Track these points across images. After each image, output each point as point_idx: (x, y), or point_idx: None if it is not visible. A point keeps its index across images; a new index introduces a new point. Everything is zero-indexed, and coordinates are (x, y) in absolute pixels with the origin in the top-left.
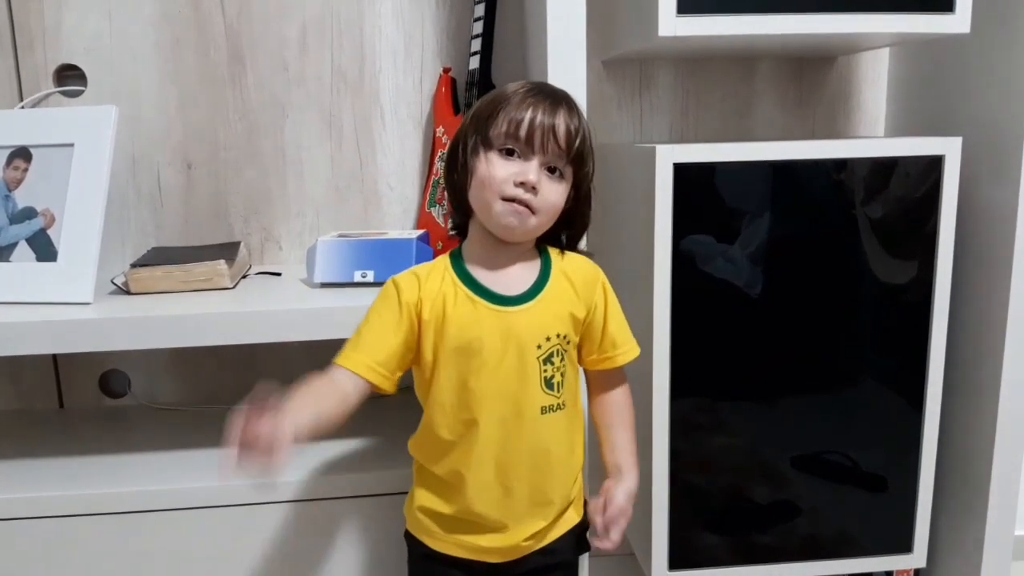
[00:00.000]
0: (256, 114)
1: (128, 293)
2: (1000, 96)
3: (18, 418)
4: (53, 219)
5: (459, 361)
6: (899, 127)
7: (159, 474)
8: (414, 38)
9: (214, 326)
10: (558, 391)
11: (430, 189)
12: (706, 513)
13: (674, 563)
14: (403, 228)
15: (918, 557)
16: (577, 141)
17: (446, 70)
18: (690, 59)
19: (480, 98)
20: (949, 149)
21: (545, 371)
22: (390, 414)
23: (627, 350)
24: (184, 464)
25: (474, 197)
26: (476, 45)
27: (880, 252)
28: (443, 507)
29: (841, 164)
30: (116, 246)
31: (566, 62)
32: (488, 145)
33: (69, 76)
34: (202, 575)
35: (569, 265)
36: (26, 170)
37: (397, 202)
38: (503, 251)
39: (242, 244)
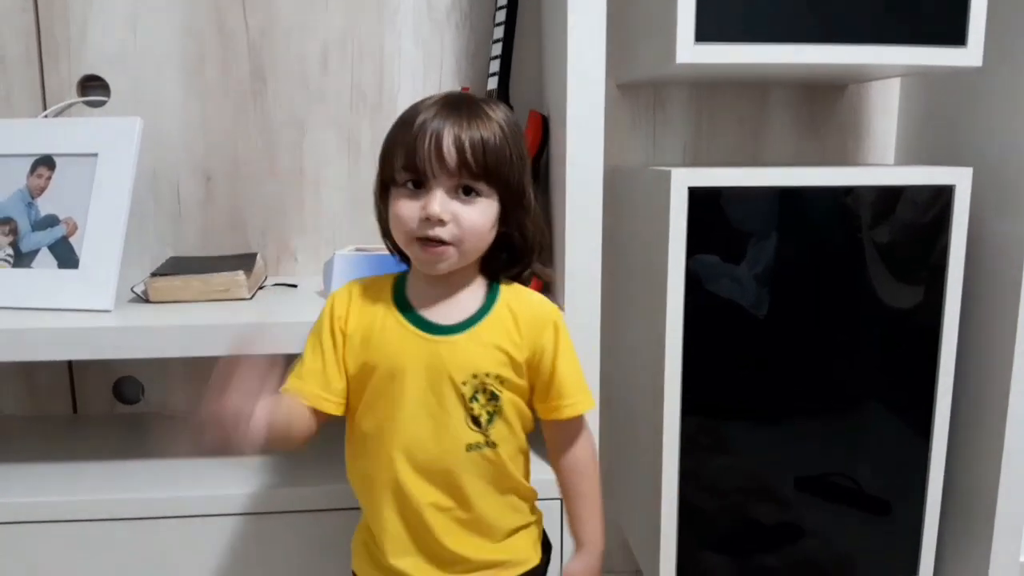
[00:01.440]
0: (276, 129)
1: (147, 301)
2: (1010, 129)
3: (32, 423)
4: (75, 227)
5: (379, 386)
6: (909, 155)
7: (168, 481)
8: (433, 58)
9: (231, 336)
10: (485, 428)
11: None
12: (712, 533)
13: None
14: None
15: None
16: (479, 151)
17: (464, 90)
18: (703, 83)
19: None
20: (960, 179)
21: (471, 408)
22: None
23: (576, 402)
24: (194, 472)
25: (395, 238)
26: (495, 66)
27: (887, 278)
28: (376, 542)
29: (851, 191)
30: (134, 255)
31: (585, 85)
32: (394, 182)
33: (93, 86)
34: None
35: (518, 302)
36: (49, 178)
37: None
38: (440, 283)
39: (259, 255)
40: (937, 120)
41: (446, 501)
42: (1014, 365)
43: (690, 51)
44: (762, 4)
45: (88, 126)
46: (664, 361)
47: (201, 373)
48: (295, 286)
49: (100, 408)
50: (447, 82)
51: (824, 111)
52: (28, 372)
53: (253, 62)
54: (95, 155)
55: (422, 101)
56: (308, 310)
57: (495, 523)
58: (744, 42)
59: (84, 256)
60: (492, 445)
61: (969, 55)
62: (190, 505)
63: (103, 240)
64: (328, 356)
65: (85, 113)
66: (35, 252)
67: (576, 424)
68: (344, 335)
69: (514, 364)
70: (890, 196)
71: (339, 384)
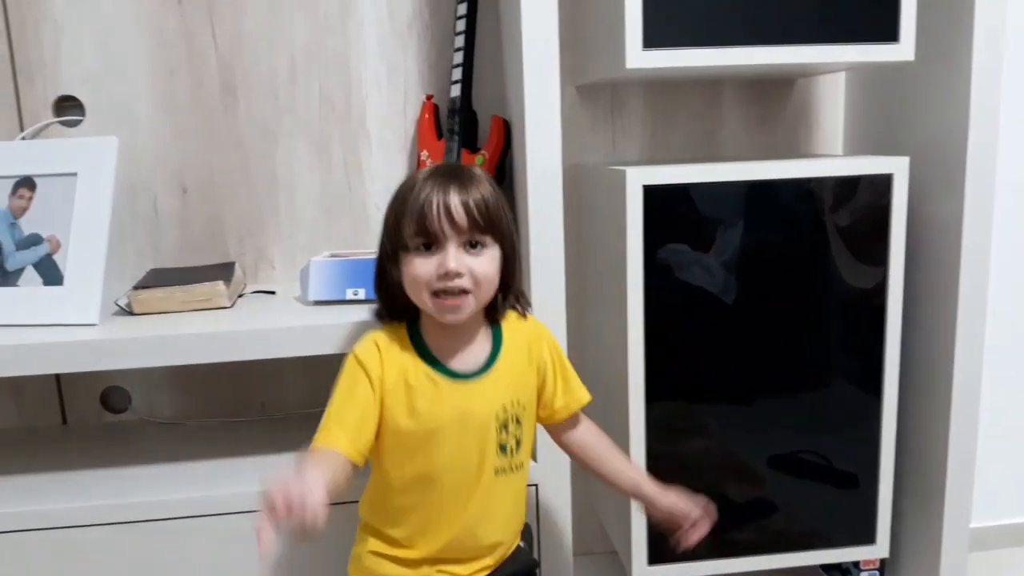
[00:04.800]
0: (248, 141)
1: (131, 314)
2: (945, 118)
3: (22, 434)
4: (58, 245)
5: (418, 435)
6: (856, 145)
7: (159, 485)
8: (397, 67)
9: (216, 344)
10: (511, 455)
11: None
12: None
13: (653, 559)
14: None
15: (881, 548)
16: (483, 209)
17: (428, 97)
18: (659, 83)
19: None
20: (898, 168)
21: (501, 438)
22: None
23: (583, 394)
24: (183, 475)
25: (411, 297)
26: (457, 74)
27: (843, 261)
28: (396, 556)
29: (802, 182)
30: (114, 268)
31: (541, 89)
32: (404, 248)
33: (68, 106)
34: None
35: (518, 331)
36: (31, 199)
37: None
38: (455, 332)
39: (237, 264)
40: (880, 111)
41: (474, 520)
42: (956, 338)
43: (639, 57)
44: (706, 10)
45: (67, 146)
46: (627, 350)
47: (186, 380)
48: (273, 293)
49: (88, 418)
50: (412, 90)
51: (775, 106)
52: (17, 386)
53: (223, 77)
54: (74, 174)
55: (415, 175)
56: (287, 316)
57: (512, 531)
58: (690, 46)
59: (68, 272)
60: (515, 469)
61: (902, 50)
62: (179, 508)
63: (86, 256)
64: (365, 408)
65: (62, 132)
66: (20, 271)
67: (580, 412)
68: (383, 389)
69: (529, 387)
70: (840, 186)
71: (368, 437)
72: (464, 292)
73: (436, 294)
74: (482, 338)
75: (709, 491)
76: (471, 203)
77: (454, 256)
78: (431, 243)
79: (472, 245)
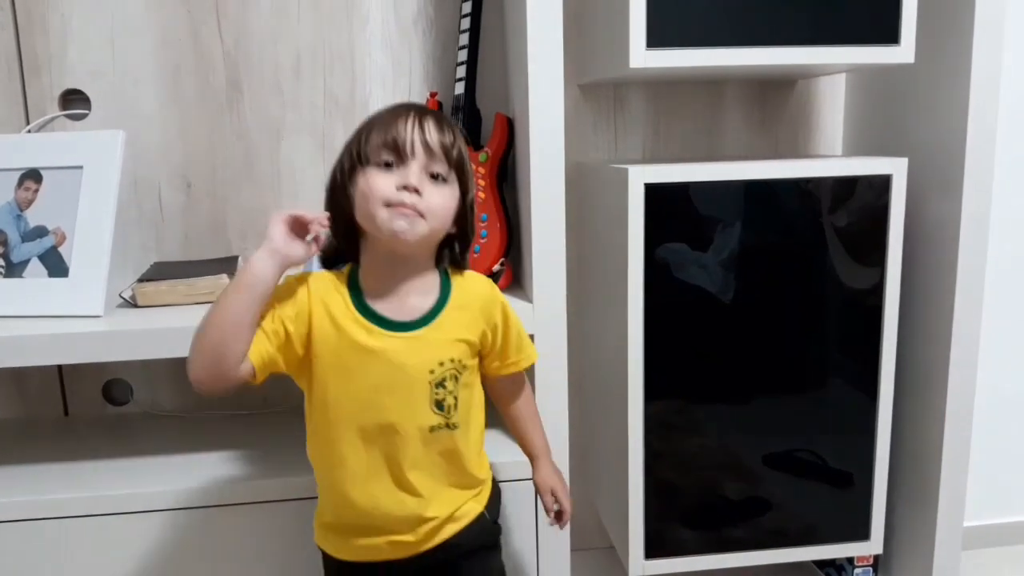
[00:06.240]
0: (253, 136)
1: (135, 306)
2: (944, 120)
3: (25, 426)
4: (64, 237)
5: (349, 383)
6: (856, 146)
7: (160, 477)
8: (402, 64)
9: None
10: (448, 413)
11: None
12: (681, 508)
13: (650, 553)
14: None
15: (875, 545)
16: (454, 148)
17: (432, 95)
18: (661, 83)
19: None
20: (896, 169)
21: (436, 394)
22: None
23: (527, 355)
24: (184, 467)
25: (361, 214)
26: (461, 71)
27: (840, 261)
28: (340, 518)
29: (801, 182)
30: (118, 261)
31: (545, 87)
32: (365, 161)
33: (74, 100)
34: (200, 572)
35: (468, 290)
36: (37, 191)
37: None
38: (399, 269)
39: (240, 258)
40: (879, 112)
41: (411, 478)
42: (952, 340)
43: (642, 56)
44: (709, 11)
45: (73, 140)
46: (627, 348)
47: (188, 374)
48: None
49: (90, 410)
50: (416, 86)
51: (776, 106)
52: (20, 377)
53: (228, 72)
54: (80, 167)
55: (384, 107)
56: None
57: (451, 495)
58: (693, 47)
59: (73, 265)
60: (452, 427)
61: (902, 52)
62: (178, 499)
63: (91, 249)
64: (276, 326)
65: (67, 126)
66: (26, 262)
67: (523, 374)
68: (310, 326)
69: (470, 347)
70: (840, 186)
71: (268, 349)
72: (418, 213)
73: (389, 206)
74: (428, 287)
75: (706, 488)
76: (445, 137)
77: (416, 173)
78: (395, 162)
79: (434, 177)
